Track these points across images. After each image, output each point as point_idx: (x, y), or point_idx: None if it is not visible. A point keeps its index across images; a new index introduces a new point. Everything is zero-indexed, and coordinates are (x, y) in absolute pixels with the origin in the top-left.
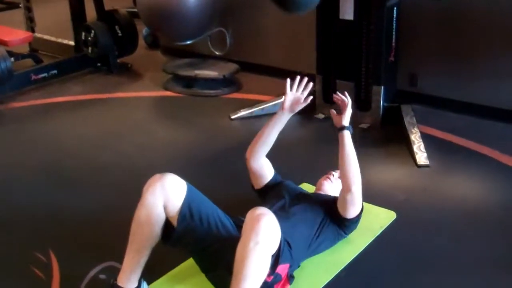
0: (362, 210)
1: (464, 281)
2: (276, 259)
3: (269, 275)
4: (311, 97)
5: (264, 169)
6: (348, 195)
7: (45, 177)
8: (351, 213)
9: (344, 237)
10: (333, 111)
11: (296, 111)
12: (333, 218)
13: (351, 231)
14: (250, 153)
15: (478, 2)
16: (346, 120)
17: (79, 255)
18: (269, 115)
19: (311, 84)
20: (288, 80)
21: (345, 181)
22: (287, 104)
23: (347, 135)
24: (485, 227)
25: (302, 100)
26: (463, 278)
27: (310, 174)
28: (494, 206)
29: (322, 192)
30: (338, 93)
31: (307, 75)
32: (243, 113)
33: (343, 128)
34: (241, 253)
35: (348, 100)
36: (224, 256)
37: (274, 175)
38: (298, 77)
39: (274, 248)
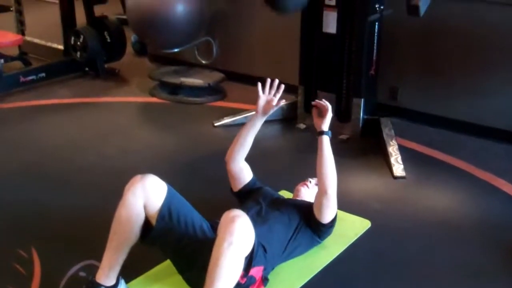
0: (336, 217)
1: None
2: (250, 261)
3: (242, 277)
4: (283, 101)
5: (243, 173)
6: (324, 198)
7: (30, 177)
8: (327, 216)
9: (319, 242)
10: (315, 113)
11: (269, 113)
12: (308, 223)
13: (325, 237)
14: (229, 157)
15: (457, 21)
16: (326, 124)
17: (60, 253)
18: None
19: (282, 86)
20: (259, 83)
21: (322, 184)
22: (260, 107)
23: (326, 140)
24: (457, 237)
25: (274, 103)
26: (435, 285)
27: (289, 181)
28: (467, 217)
29: (299, 198)
30: (317, 100)
31: (290, 85)
32: (226, 120)
33: (322, 132)
34: (215, 253)
35: (328, 105)
36: (200, 257)
37: (252, 179)
38: (269, 80)
39: (247, 250)
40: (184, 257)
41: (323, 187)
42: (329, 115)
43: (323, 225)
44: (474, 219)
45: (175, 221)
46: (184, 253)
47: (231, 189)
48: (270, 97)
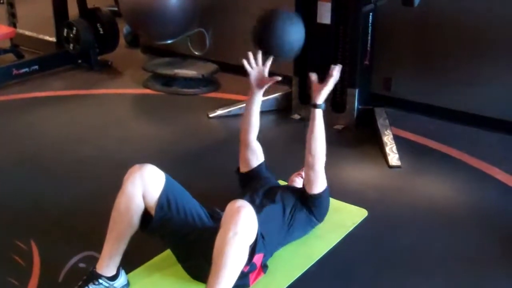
0: (327, 190)
1: (432, 276)
2: (253, 250)
3: (245, 265)
4: (279, 77)
5: (255, 154)
6: (311, 172)
7: (26, 169)
8: (316, 188)
9: (316, 223)
10: (314, 81)
11: (266, 86)
12: (302, 202)
13: (321, 216)
14: (243, 136)
15: (451, 11)
16: (321, 97)
17: (59, 244)
18: None
19: (271, 57)
20: (244, 60)
21: (309, 157)
22: (253, 82)
23: (318, 114)
24: (452, 226)
25: (266, 74)
26: (431, 274)
27: (284, 171)
28: (462, 205)
29: None
30: (335, 67)
31: (284, 76)
32: (221, 112)
33: (315, 105)
34: (220, 243)
35: (334, 78)
36: (200, 246)
37: (262, 164)
38: (250, 53)
39: (251, 239)
40: (184, 246)
41: (311, 161)
42: (328, 89)
43: (314, 197)
44: (469, 207)
45: (174, 210)
46: (184, 242)
47: (237, 169)
48: (260, 68)
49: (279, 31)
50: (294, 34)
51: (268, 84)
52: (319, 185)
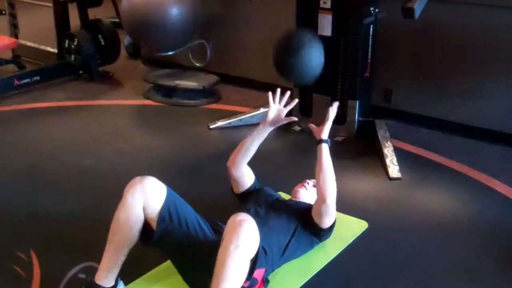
0: (335, 221)
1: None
2: (253, 264)
3: (245, 281)
4: (295, 118)
5: (245, 178)
6: (323, 206)
7: (27, 179)
8: (326, 223)
9: (318, 244)
10: (313, 125)
11: (278, 125)
12: (307, 226)
13: (325, 239)
14: (231, 164)
15: (451, 24)
16: (325, 133)
17: (59, 255)
18: (247, 126)
19: (295, 100)
20: (270, 93)
21: (321, 192)
22: (270, 117)
23: (325, 148)
24: (452, 237)
25: (283, 115)
26: (430, 286)
27: (286, 183)
28: (462, 217)
29: (297, 199)
30: (332, 107)
31: (285, 88)
32: (221, 123)
33: (321, 141)
34: (222, 256)
35: (332, 115)
36: (202, 258)
37: (254, 181)
38: (279, 90)
39: (252, 253)
40: (185, 257)
41: (322, 196)
42: (329, 125)
43: (322, 229)
44: (470, 219)
45: (176, 223)
46: (185, 254)
47: (232, 190)
48: (281, 108)
49: (302, 63)
50: (315, 59)
51: (283, 123)
52: (330, 219)
